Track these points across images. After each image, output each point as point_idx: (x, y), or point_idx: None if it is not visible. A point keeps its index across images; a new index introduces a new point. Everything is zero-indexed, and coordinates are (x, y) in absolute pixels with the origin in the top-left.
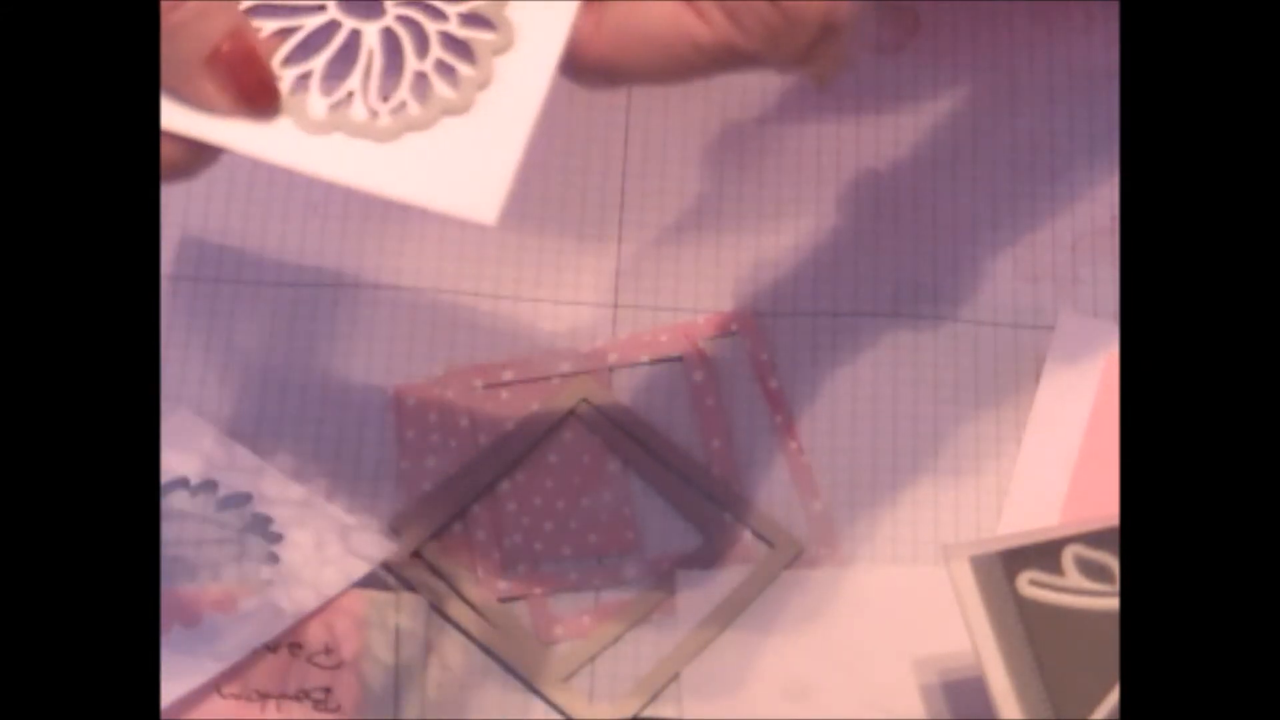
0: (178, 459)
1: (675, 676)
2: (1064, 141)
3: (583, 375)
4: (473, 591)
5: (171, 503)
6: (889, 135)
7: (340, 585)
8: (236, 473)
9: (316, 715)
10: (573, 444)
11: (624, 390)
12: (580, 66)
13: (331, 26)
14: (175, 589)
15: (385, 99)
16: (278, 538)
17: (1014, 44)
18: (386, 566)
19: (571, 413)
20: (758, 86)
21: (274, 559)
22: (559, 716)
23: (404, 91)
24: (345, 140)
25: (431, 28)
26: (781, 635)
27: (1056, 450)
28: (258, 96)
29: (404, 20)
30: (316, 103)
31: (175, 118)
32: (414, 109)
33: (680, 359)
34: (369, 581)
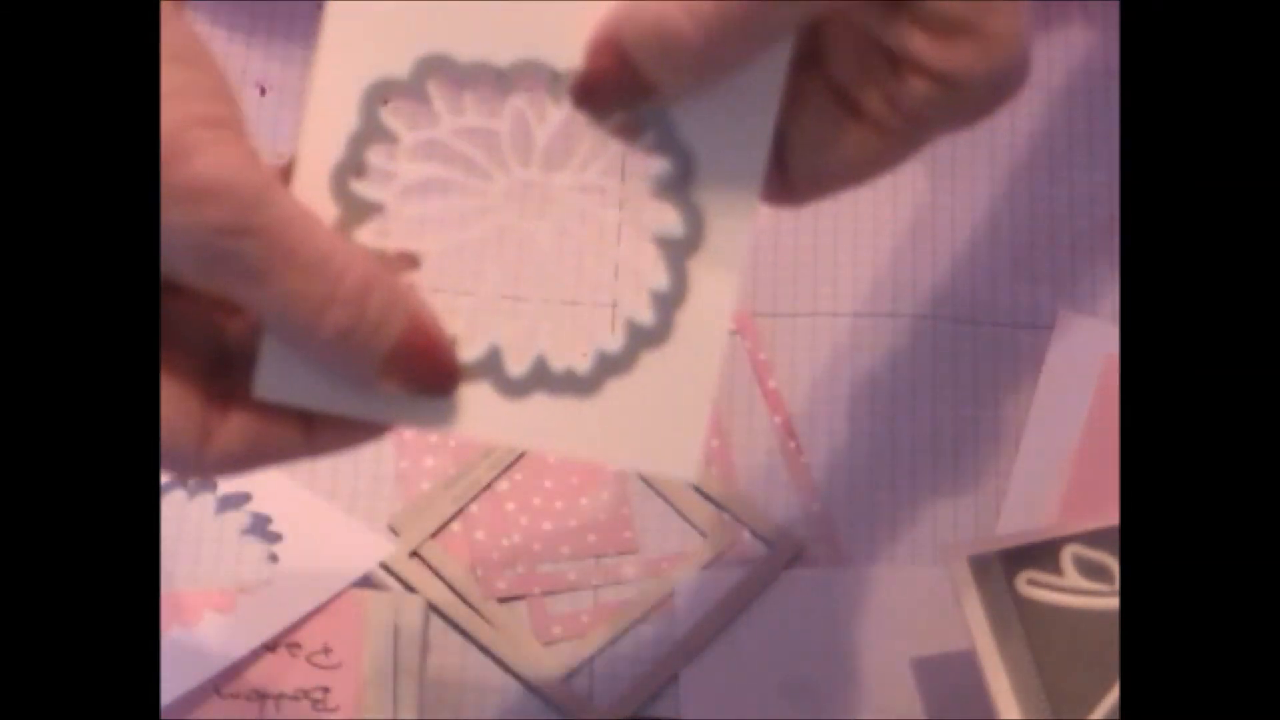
0: None
1: (674, 677)
2: (1064, 141)
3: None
4: (472, 591)
5: (171, 503)
6: None
7: (339, 585)
8: None
9: (315, 715)
10: None
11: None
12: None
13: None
14: (175, 589)
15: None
16: (277, 538)
17: None
18: (386, 566)
19: None
20: None
21: (274, 559)
22: (558, 716)
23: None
24: (547, 401)
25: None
26: (780, 635)
27: (1055, 450)
28: (442, 383)
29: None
30: (513, 363)
31: (344, 403)
32: (605, 341)
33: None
34: (368, 581)
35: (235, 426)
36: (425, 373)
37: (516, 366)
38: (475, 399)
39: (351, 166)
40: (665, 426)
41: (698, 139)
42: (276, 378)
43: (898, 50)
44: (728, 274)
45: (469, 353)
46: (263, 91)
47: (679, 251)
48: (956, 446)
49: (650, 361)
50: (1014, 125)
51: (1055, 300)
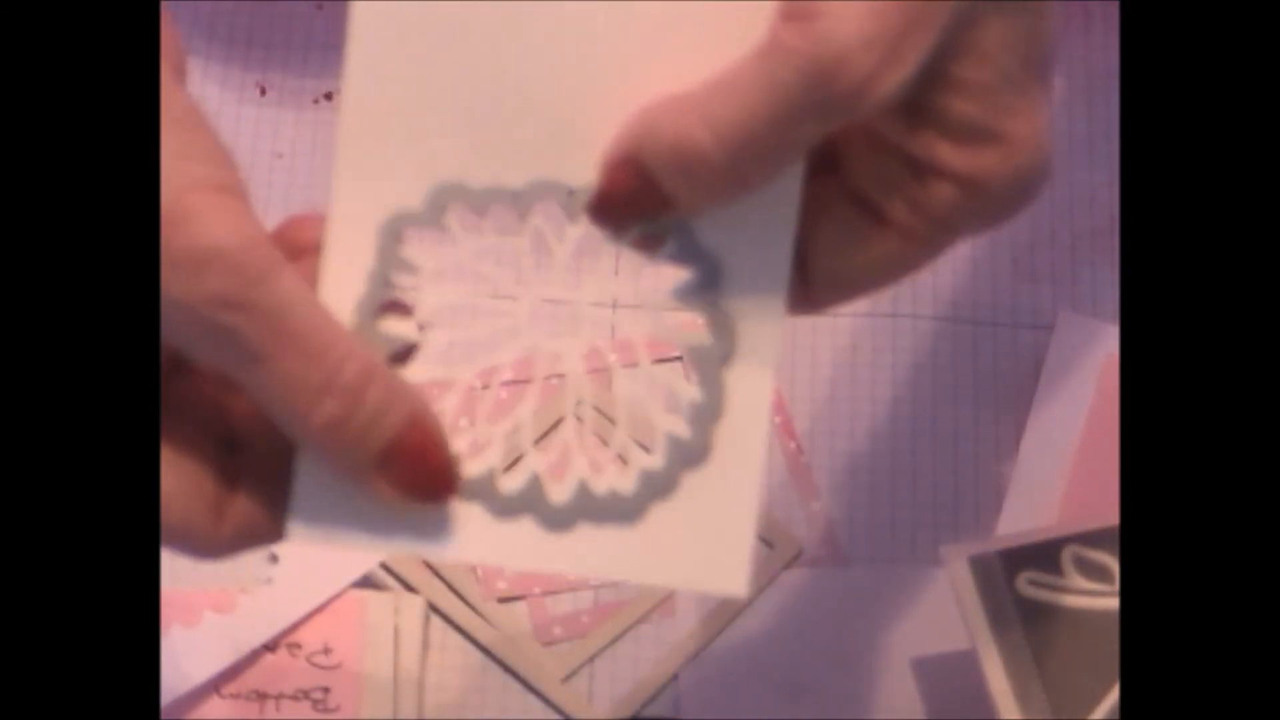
0: None
1: (674, 677)
2: (1064, 141)
3: (582, 375)
4: (472, 591)
5: None
6: None
7: (339, 585)
8: None
9: (315, 715)
10: None
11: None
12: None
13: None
14: (175, 589)
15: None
16: None
17: None
18: (386, 567)
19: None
20: None
21: (274, 559)
22: (558, 716)
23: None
24: (591, 531)
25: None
26: (780, 635)
27: (1055, 450)
28: (437, 488)
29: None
30: (555, 491)
31: (384, 543)
32: (646, 459)
33: (680, 359)
34: (368, 581)
35: (242, 507)
36: (420, 475)
37: (559, 494)
38: (519, 533)
39: (373, 302)
40: (713, 547)
41: (722, 245)
42: (309, 520)
43: (921, 158)
44: (762, 381)
45: (510, 484)
46: (263, 91)
47: (711, 361)
48: (956, 446)
49: (693, 483)
50: None
51: (1055, 300)
